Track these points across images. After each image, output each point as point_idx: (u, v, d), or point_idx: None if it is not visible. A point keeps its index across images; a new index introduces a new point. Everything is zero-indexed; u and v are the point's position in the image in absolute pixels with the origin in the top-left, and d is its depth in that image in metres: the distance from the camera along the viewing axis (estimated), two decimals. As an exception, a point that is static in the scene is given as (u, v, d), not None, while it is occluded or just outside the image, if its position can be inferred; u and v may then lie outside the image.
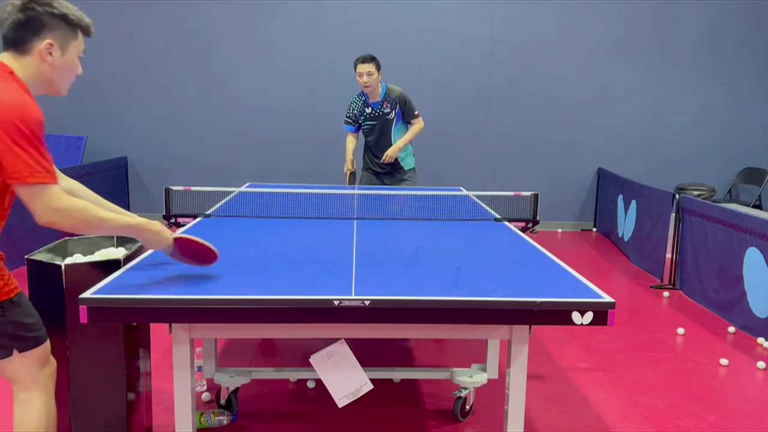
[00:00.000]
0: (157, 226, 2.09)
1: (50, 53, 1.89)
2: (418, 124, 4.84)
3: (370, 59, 4.64)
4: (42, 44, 1.87)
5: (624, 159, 7.48)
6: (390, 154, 4.74)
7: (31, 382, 1.99)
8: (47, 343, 2.03)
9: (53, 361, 2.08)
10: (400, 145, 4.77)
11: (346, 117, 4.91)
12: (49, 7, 1.87)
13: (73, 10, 1.94)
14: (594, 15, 7.28)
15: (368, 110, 4.79)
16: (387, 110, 4.74)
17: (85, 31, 1.99)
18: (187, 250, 2.15)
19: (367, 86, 4.67)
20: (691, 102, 7.51)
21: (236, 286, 2.03)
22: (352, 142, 4.97)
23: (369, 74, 4.62)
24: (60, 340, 2.35)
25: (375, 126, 4.81)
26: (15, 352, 1.93)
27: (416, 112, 4.82)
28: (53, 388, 2.07)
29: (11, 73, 1.85)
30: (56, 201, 1.80)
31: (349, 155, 4.92)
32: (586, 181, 7.61)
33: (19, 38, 1.87)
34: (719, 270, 4.57)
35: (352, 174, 4.96)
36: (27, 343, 1.95)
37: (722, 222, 4.55)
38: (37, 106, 1.82)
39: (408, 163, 4.94)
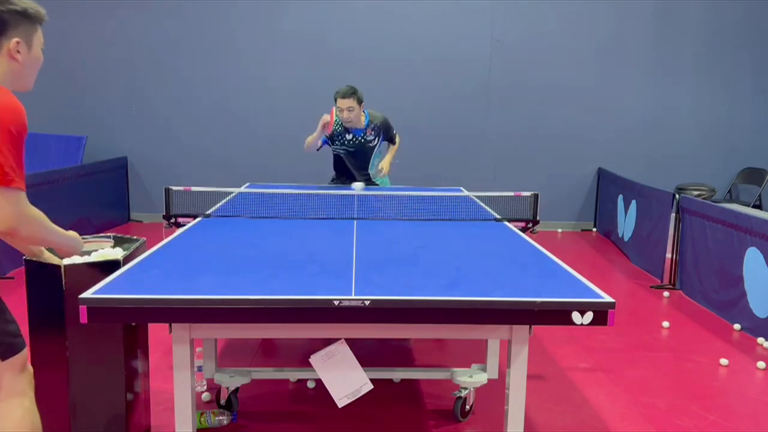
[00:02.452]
0: (78, 238, 2.18)
1: (18, 51, 1.86)
2: (398, 142, 4.78)
3: (350, 94, 4.28)
4: (10, 43, 1.85)
5: (624, 159, 7.48)
6: (385, 170, 4.58)
7: (11, 389, 1.96)
8: (26, 349, 2.01)
9: (29, 367, 2.05)
10: (389, 160, 4.65)
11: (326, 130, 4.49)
12: (10, 4, 1.84)
13: (30, 4, 1.90)
14: (594, 15, 7.28)
15: (349, 136, 4.51)
16: (370, 137, 4.56)
17: (41, 21, 1.95)
18: None
19: (349, 122, 4.39)
20: (691, 102, 7.51)
21: (236, 286, 2.03)
22: (315, 141, 4.48)
23: (350, 110, 4.31)
24: (60, 340, 2.35)
25: (352, 152, 4.57)
26: None
27: (395, 131, 4.72)
28: (33, 393, 2.04)
29: None
30: (26, 207, 1.82)
31: (309, 138, 4.46)
32: (586, 181, 7.61)
33: None
34: (719, 270, 4.57)
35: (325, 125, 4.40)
36: (9, 350, 1.93)
37: (722, 222, 4.55)
38: (24, 111, 1.81)
39: (384, 182, 4.80)
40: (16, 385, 1.96)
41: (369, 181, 4.69)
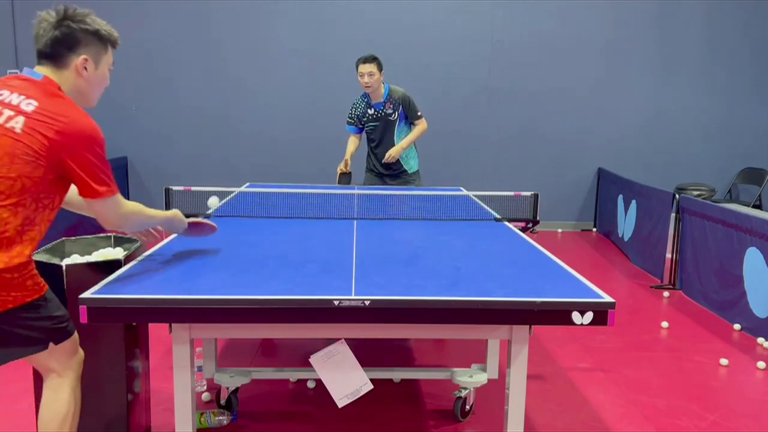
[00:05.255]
0: (180, 214, 2.43)
1: (85, 68, 2.02)
2: (421, 126, 4.79)
3: (372, 59, 4.61)
4: (78, 60, 2.00)
5: (624, 159, 7.48)
6: (392, 154, 4.67)
7: (62, 370, 2.07)
8: (76, 333, 2.11)
9: (81, 351, 2.15)
10: (403, 145, 4.71)
11: (348, 117, 4.90)
12: (83, 23, 1.99)
13: (104, 25, 2.06)
14: (594, 15, 7.28)
15: (371, 111, 4.76)
16: (389, 111, 4.70)
17: (114, 44, 2.11)
18: (196, 229, 2.54)
19: (368, 86, 4.64)
20: (691, 102, 7.51)
21: (236, 286, 2.03)
22: (353, 144, 4.95)
23: (370, 74, 4.59)
24: (60, 340, 2.35)
25: (377, 127, 4.78)
26: (51, 344, 2.00)
27: (419, 113, 4.78)
28: (80, 374, 2.15)
29: (59, 89, 1.97)
30: (123, 209, 2.07)
31: (348, 155, 4.88)
32: (586, 181, 7.61)
33: (56, 54, 1.98)
34: (719, 270, 4.57)
35: (344, 175, 4.83)
36: (62, 335, 2.02)
37: (722, 222, 4.56)
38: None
39: (411, 166, 4.88)
40: (66, 367, 2.07)
41: (397, 161, 4.82)
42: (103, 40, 2.05)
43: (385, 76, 4.74)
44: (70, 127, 1.89)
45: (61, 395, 2.07)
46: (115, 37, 2.09)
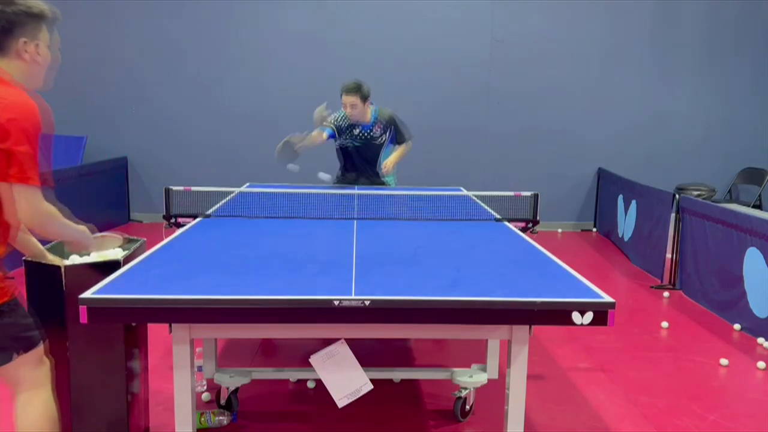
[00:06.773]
0: (88, 232, 2.25)
1: (26, 51, 1.90)
2: (408, 145, 4.64)
3: (354, 90, 4.28)
4: (18, 43, 1.88)
5: (624, 159, 7.47)
6: (389, 166, 4.48)
7: (31, 382, 2.00)
8: (41, 343, 2.05)
9: (47, 360, 2.09)
10: (395, 159, 4.54)
11: (329, 124, 4.46)
12: (12, 5, 1.86)
13: (34, 3, 1.91)
14: (594, 15, 7.28)
15: (356, 131, 4.50)
16: (377, 134, 4.52)
17: (52, 20, 1.98)
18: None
19: (353, 117, 4.39)
20: (690, 102, 7.50)
21: (236, 286, 2.03)
22: (319, 138, 4.44)
23: (353, 106, 4.31)
24: (60, 340, 2.35)
25: (359, 147, 4.55)
26: (17, 354, 1.94)
27: (408, 134, 4.63)
28: (51, 385, 2.08)
29: (3, 77, 1.86)
30: (41, 204, 1.90)
31: (306, 142, 4.36)
32: (586, 180, 7.61)
33: None
34: (719, 270, 4.56)
35: (291, 149, 4.30)
36: (28, 344, 1.96)
37: (722, 222, 4.55)
38: (37, 109, 1.86)
39: (390, 182, 4.75)
40: (35, 378, 2.01)
41: (378, 179, 4.63)
42: (36, 18, 1.91)
43: (384, 76, 4.65)
44: (3, 104, 1.79)
45: (32, 410, 2.00)
46: (46, 11, 1.94)
